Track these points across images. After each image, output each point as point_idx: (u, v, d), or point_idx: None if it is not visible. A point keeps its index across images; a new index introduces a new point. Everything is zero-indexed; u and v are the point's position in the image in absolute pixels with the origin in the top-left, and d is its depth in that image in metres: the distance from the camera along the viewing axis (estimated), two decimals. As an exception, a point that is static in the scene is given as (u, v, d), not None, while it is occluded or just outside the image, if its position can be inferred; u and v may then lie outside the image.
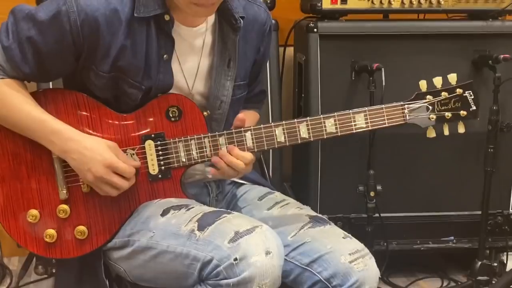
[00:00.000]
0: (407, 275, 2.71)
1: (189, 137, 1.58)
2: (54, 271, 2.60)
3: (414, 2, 2.44)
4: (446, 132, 1.62)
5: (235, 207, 1.75)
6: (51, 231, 1.58)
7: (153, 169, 1.59)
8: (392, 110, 1.59)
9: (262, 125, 1.57)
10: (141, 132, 1.59)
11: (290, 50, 2.80)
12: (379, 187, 2.35)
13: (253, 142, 1.57)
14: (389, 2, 2.43)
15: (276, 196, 1.76)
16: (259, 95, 1.94)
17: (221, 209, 1.60)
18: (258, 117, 1.90)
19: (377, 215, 2.40)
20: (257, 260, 1.36)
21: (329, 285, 1.52)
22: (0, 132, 1.57)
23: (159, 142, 1.59)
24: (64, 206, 1.57)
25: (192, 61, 1.65)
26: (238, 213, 1.55)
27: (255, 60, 1.78)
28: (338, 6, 2.43)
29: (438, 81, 1.60)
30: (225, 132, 1.57)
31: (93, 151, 1.51)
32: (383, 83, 2.25)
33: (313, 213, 1.68)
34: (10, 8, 1.55)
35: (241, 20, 1.64)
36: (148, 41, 1.56)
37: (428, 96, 1.60)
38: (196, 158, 1.58)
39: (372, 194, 2.35)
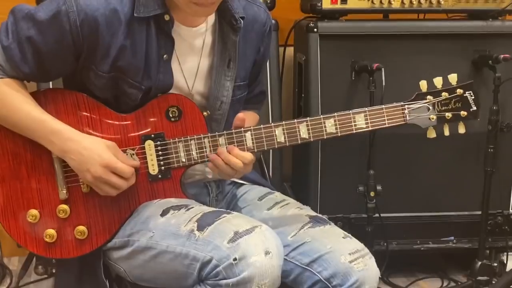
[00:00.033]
0: (407, 275, 2.71)
1: (189, 137, 1.58)
2: (54, 271, 2.60)
3: (414, 2, 2.44)
4: (447, 132, 1.62)
5: (235, 207, 1.75)
6: (51, 231, 1.58)
7: (153, 169, 1.59)
8: (392, 110, 1.59)
9: (262, 125, 1.57)
10: (141, 132, 1.59)
11: (290, 50, 2.80)
12: (379, 187, 2.35)
13: (253, 143, 1.56)
14: (389, 2, 2.43)
15: (276, 196, 1.76)
16: (259, 96, 1.94)
17: (221, 209, 1.60)
18: (257, 118, 1.90)
19: (377, 215, 2.40)
20: (256, 260, 1.36)
21: (329, 285, 1.52)
22: (0, 132, 1.57)
23: (159, 142, 1.59)
24: (64, 206, 1.57)
25: (192, 61, 1.65)
26: (238, 213, 1.55)
27: (255, 61, 1.78)
28: (338, 6, 2.43)
29: (438, 82, 1.60)
30: (225, 132, 1.57)
31: (92, 151, 1.51)
32: (383, 83, 2.25)
33: (313, 213, 1.67)
34: (10, 8, 1.54)
35: (241, 20, 1.64)
36: (148, 41, 1.56)
37: (428, 97, 1.60)
38: (196, 158, 1.58)
39: (372, 194, 2.35)
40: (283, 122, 1.57)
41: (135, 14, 1.52)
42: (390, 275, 2.66)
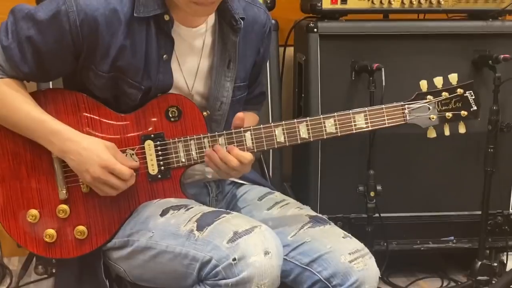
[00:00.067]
0: (407, 275, 2.71)
1: (188, 137, 1.58)
2: (54, 271, 2.60)
3: (414, 2, 2.44)
4: (447, 132, 1.62)
5: (235, 207, 1.75)
6: (51, 231, 1.58)
7: (153, 169, 1.59)
8: (392, 110, 1.59)
9: (261, 125, 1.57)
10: (140, 132, 1.59)
11: (290, 50, 2.80)
12: (379, 187, 2.35)
13: (252, 142, 1.56)
14: (389, 2, 2.43)
15: (276, 196, 1.76)
16: (259, 97, 1.94)
17: (220, 209, 1.60)
18: (257, 119, 1.90)
19: (377, 215, 2.40)
20: (255, 260, 1.36)
21: (329, 284, 1.52)
22: (0, 132, 1.57)
23: (158, 142, 1.59)
24: (64, 206, 1.57)
25: (191, 62, 1.65)
26: (237, 213, 1.55)
27: (254, 62, 1.78)
28: (338, 6, 2.43)
29: (438, 81, 1.60)
30: (224, 132, 1.57)
31: (91, 152, 1.51)
32: (383, 83, 2.25)
33: (313, 213, 1.67)
34: (10, 8, 1.55)
35: (241, 21, 1.64)
36: (148, 41, 1.56)
37: (428, 96, 1.60)
38: (196, 158, 1.58)
39: (372, 194, 2.35)
40: (283, 122, 1.57)
41: (135, 14, 1.52)
42: (390, 275, 2.66)
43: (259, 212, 1.69)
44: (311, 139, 1.57)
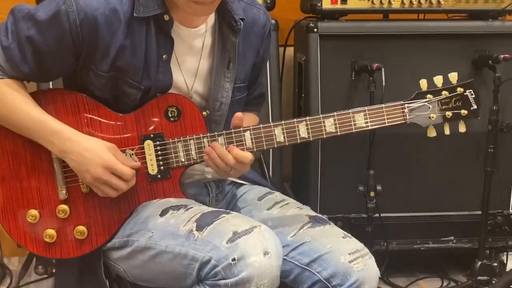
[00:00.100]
0: (407, 275, 2.71)
1: (188, 137, 1.58)
2: (54, 271, 2.60)
3: (414, 2, 2.44)
4: (447, 131, 1.62)
5: (234, 207, 1.75)
6: (51, 231, 1.58)
7: (152, 169, 1.59)
8: (392, 109, 1.59)
9: (261, 125, 1.57)
10: (140, 132, 1.59)
11: (290, 50, 2.80)
12: (379, 187, 2.35)
13: (252, 142, 1.56)
14: (389, 2, 2.43)
15: (275, 196, 1.75)
16: (259, 98, 1.94)
17: (220, 209, 1.60)
18: (257, 120, 1.89)
19: (377, 215, 2.40)
20: (255, 261, 1.36)
21: (329, 284, 1.51)
22: (0, 132, 1.57)
23: (158, 142, 1.59)
24: (64, 206, 1.57)
25: (191, 62, 1.65)
26: (237, 213, 1.55)
27: (254, 63, 1.77)
28: (338, 6, 2.43)
29: (438, 80, 1.60)
30: (224, 132, 1.56)
31: (92, 152, 1.51)
32: (383, 83, 2.25)
33: (313, 213, 1.67)
34: (10, 8, 1.54)
35: (241, 22, 1.64)
36: (148, 41, 1.56)
37: (428, 95, 1.59)
38: (195, 158, 1.58)
39: (372, 194, 2.35)
40: (282, 122, 1.57)
41: (134, 14, 1.52)
42: (390, 275, 2.66)
43: (259, 212, 1.69)
44: (311, 139, 1.57)
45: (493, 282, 2.48)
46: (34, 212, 1.57)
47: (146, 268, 1.53)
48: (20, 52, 1.52)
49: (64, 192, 1.57)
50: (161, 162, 1.59)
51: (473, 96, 1.60)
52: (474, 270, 2.48)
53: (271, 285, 1.39)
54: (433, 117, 1.60)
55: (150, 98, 1.59)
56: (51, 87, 2.05)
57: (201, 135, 1.58)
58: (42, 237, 1.58)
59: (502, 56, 2.33)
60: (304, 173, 2.56)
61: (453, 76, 1.59)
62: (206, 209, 1.53)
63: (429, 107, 1.60)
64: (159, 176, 1.59)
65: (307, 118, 1.57)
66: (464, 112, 1.60)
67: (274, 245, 1.41)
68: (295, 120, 1.57)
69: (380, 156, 2.42)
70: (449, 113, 1.60)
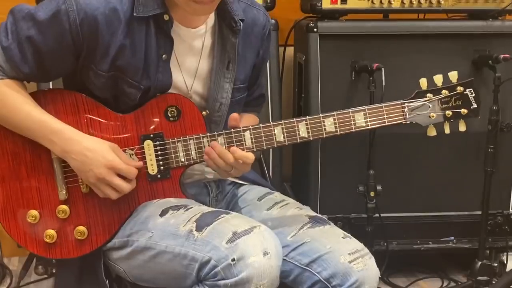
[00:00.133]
0: (407, 275, 2.71)
1: (188, 137, 1.58)
2: (54, 271, 2.60)
3: (414, 2, 2.44)
4: (447, 130, 1.62)
5: (234, 207, 1.75)
6: (51, 232, 1.58)
7: (152, 169, 1.59)
8: (392, 108, 1.59)
9: (261, 125, 1.57)
10: (140, 132, 1.59)
11: (290, 50, 2.80)
12: (379, 187, 2.35)
13: (252, 142, 1.56)
14: (389, 2, 2.43)
15: (275, 196, 1.75)
16: (259, 99, 1.94)
17: (220, 209, 1.60)
18: (257, 121, 1.89)
19: (377, 215, 2.40)
20: (255, 261, 1.36)
21: (328, 285, 1.51)
22: (0, 132, 1.57)
23: (158, 142, 1.58)
24: (64, 207, 1.57)
25: (191, 62, 1.65)
26: (237, 214, 1.55)
27: (254, 64, 1.77)
28: (338, 6, 2.43)
29: (438, 79, 1.60)
30: (224, 132, 1.56)
31: (95, 152, 1.51)
32: (383, 83, 2.25)
33: (313, 213, 1.67)
34: (10, 8, 1.54)
35: (241, 23, 1.64)
36: (147, 40, 1.56)
37: (428, 94, 1.59)
38: (195, 158, 1.58)
39: (372, 194, 2.35)
40: (282, 121, 1.56)
41: (134, 14, 1.52)
42: (390, 275, 2.66)
43: (259, 212, 1.69)
44: (311, 138, 1.57)
45: (493, 282, 2.47)
46: (34, 212, 1.57)
47: (146, 268, 1.53)
48: (20, 52, 1.52)
49: (64, 192, 1.57)
50: (161, 162, 1.59)
51: (473, 95, 1.60)
52: (474, 270, 2.48)
53: (271, 285, 1.39)
54: (433, 116, 1.60)
55: (150, 98, 1.59)
56: (51, 87, 2.05)
57: (200, 135, 1.58)
58: (42, 238, 1.58)
59: (502, 56, 2.33)
60: (304, 173, 2.56)
61: (453, 75, 1.59)
62: (206, 209, 1.53)
63: (429, 106, 1.60)
64: (159, 176, 1.59)
65: (307, 117, 1.57)
66: (464, 111, 1.60)
67: (274, 246, 1.41)
68: (295, 119, 1.57)
69: (380, 156, 2.42)
70: (449, 112, 1.60)
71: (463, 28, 2.49)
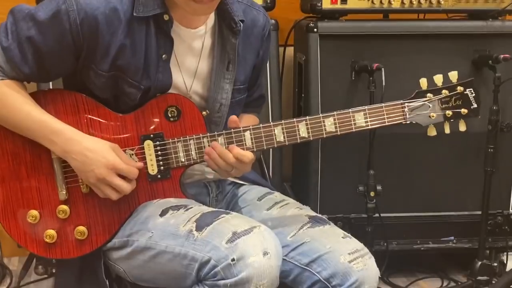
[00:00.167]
0: (407, 275, 2.71)
1: (188, 137, 1.58)
2: (54, 271, 2.60)
3: (414, 2, 2.44)
4: (447, 130, 1.62)
5: (234, 207, 1.75)
6: (51, 232, 1.58)
7: (152, 169, 1.59)
8: (392, 108, 1.59)
9: (261, 125, 1.57)
10: (140, 133, 1.59)
11: (290, 50, 2.80)
12: (379, 187, 2.35)
13: (252, 142, 1.56)
14: (389, 2, 2.43)
15: (275, 196, 1.75)
16: (259, 100, 1.94)
17: (220, 209, 1.60)
18: (257, 121, 1.89)
19: (377, 215, 2.40)
20: (254, 261, 1.36)
21: (328, 285, 1.51)
22: (0, 133, 1.57)
23: (158, 142, 1.59)
24: (64, 207, 1.57)
25: (190, 62, 1.65)
26: (237, 214, 1.55)
27: (254, 65, 1.77)
28: (338, 6, 2.43)
29: (438, 79, 1.60)
30: (224, 132, 1.57)
31: (96, 153, 1.51)
32: (383, 83, 2.25)
33: (313, 213, 1.67)
34: (10, 8, 1.54)
35: (241, 23, 1.64)
36: (147, 40, 1.56)
37: (428, 94, 1.60)
38: (195, 158, 1.58)
39: (372, 194, 2.35)
40: (282, 121, 1.57)
41: (134, 14, 1.52)
42: (390, 275, 2.66)
43: (259, 212, 1.69)
44: (311, 138, 1.57)
45: (493, 282, 2.48)
46: (34, 212, 1.57)
47: (146, 268, 1.53)
48: (20, 53, 1.52)
49: (64, 192, 1.57)
50: (161, 162, 1.59)
51: (473, 95, 1.60)
52: (474, 270, 2.48)
53: (271, 285, 1.39)
54: (433, 116, 1.60)
55: (150, 98, 1.59)
56: (51, 87, 2.05)
57: (201, 135, 1.58)
58: (43, 238, 1.58)
59: (502, 56, 2.33)
60: (304, 173, 2.56)
61: (453, 75, 1.60)
62: (206, 209, 1.53)
63: (429, 106, 1.60)
64: (159, 176, 1.59)
65: (307, 117, 1.57)
66: (464, 111, 1.61)
67: (273, 245, 1.41)
68: (295, 119, 1.57)
69: (380, 156, 2.42)
70: (449, 112, 1.60)
71: (463, 28, 2.49)
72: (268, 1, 2.46)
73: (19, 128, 1.54)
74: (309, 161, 2.49)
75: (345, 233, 1.60)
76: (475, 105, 1.61)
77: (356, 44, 2.44)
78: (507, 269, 2.63)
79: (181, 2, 1.51)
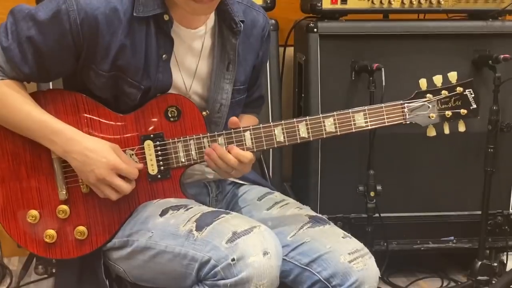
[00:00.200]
0: (407, 275, 2.71)
1: (188, 137, 1.58)
2: (54, 271, 2.60)
3: (414, 2, 2.44)
4: (447, 131, 1.62)
5: (234, 207, 1.75)
6: (51, 232, 1.58)
7: (152, 169, 1.59)
8: (392, 109, 1.59)
9: (261, 125, 1.57)
10: (140, 133, 1.59)
11: (290, 50, 2.80)
12: (379, 187, 2.35)
13: (252, 142, 1.56)
14: (389, 2, 2.43)
15: (275, 196, 1.76)
16: (258, 100, 1.94)
17: (220, 209, 1.60)
18: (257, 122, 1.89)
19: (377, 215, 2.40)
20: (254, 261, 1.36)
21: (328, 285, 1.51)
22: (0, 133, 1.57)
23: (158, 143, 1.59)
24: (64, 207, 1.57)
25: (190, 63, 1.65)
26: (237, 213, 1.55)
27: (254, 65, 1.77)
28: (338, 6, 2.43)
29: (438, 80, 1.60)
30: (224, 132, 1.57)
31: (97, 153, 1.51)
32: (383, 83, 2.25)
33: (313, 213, 1.67)
34: (10, 8, 1.54)
35: (241, 24, 1.64)
36: (148, 40, 1.56)
37: (428, 95, 1.60)
38: (195, 158, 1.58)
39: (372, 194, 2.35)
40: (282, 122, 1.57)
41: (134, 14, 1.52)
42: (390, 275, 2.66)
43: (259, 212, 1.69)
44: (311, 139, 1.57)
45: (493, 282, 2.48)
46: (34, 212, 1.57)
47: (146, 268, 1.53)
48: (20, 53, 1.52)
49: (64, 192, 1.57)
50: (161, 162, 1.59)
51: (473, 95, 1.61)
52: (474, 270, 2.48)
53: (271, 285, 1.39)
54: (432, 117, 1.60)
55: (150, 98, 1.59)
56: (51, 87, 2.05)
57: (201, 135, 1.58)
58: (42, 238, 1.58)
59: (502, 56, 2.33)
60: (304, 173, 2.56)
61: (453, 76, 1.60)
62: (206, 209, 1.53)
63: (429, 107, 1.60)
64: (159, 176, 1.59)
65: (307, 118, 1.57)
66: (463, 111, 1.61)
67: (273, 245, 1.41)
68: (295, 120, 1.57)
69: (380, 156, 2.42)
70: (448, 113, 1.60)
71: (463, 28, 2.49)
72: (268, 1, 2.46)
73: (19, 128, 1.54)
74: (309, 161, 2.49)
75: (345, 233, 1.60)
76: (474, 106, 1.61)
77: (356, 44, 2.44)
78: (507, 269, 2.63)
79: (181, 2, 1.51)
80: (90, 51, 1.53)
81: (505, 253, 2.66)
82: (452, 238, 2.61)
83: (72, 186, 1.58)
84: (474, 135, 2.35)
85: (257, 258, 1.37)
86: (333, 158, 2.48)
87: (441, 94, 1.60)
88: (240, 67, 1.70)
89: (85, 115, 1.58)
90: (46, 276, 2.63)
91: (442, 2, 2.44)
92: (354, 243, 1.57)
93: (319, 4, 2.41)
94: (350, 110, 1.57)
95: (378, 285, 1.57)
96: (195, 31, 1.63)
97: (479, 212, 2.48)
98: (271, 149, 2.31)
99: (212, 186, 1.77)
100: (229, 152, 1.54)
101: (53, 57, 1.53)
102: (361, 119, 1.57)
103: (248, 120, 1.83)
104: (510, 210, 2.61)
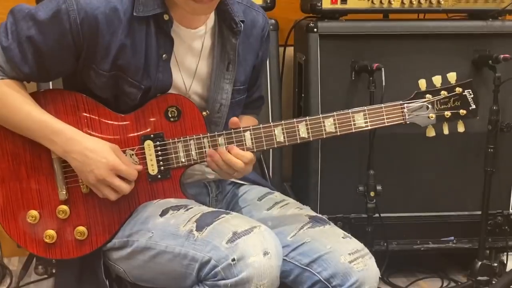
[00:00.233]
0: (407, 275, 2.71)
1: (188, 137, 1.58)
2: (54, 271, 2.60)
3: (414, 2, 2.44)
4: (446, 131, 1.62)
5: (234, 207, 1.75)
6: (51, 232, 1.58)
7: (153, 169, 1.59)
8: (391, 109, 1.59)
9: (261, 125, 1.57)
10: (140, 133, 1.59)
11: (290, 50, 2.80)
12: (379, 187, 2.35)
13: (252, 142, 1.56)
14: (389, 2, 2.43)
15: (275, 196, 1.76)
16: (258, 101, 1.94)
17: (220, 210, 1.60)
18: (257, 123, 1.89)
19: (377, 215, 2.40)
20: (255, 261, 1.36)
21: (328, 285, 1.51)
22: (0, 132, 1.57)
23: (158, 143, 1.59)
24: (64, 207, 1.57)
25: (190, 63, 1.65)
26: (237, 214, 1.55)
27: (254, 65, 1.78)
28: (338, 6, 2.43)
29: (437, 80, 1.60)
30: (224, 132, 1.57)
31: (97, 153, 1.51)
32: (383, 83, 2.25)
33: (313, 213, 1.67)
34: (10, 8, 1.54)
35: (241, 24, 1.64)
36: (148, 40, 1.56)
37: (427, 95, 1.60)
38: (196, 158, 1.58)
39: (372, 194, 2.35)
40: (282, 122, 1.57)
41: (134, 13, 1.52)
42: (390, 275, 2.66)
43: (259, 212, 1.69)
44: (311, 139, 1.58)
45: (493, 282, 2.48)
46: (34, 212, 1.57)
47: (146, 268, 1.53)
48: (20, 53, 1.52)
49: (64, 192, 1.57)
50: (161, 163, 1.59)
51: (472, 96, 1.61)
52: (474, 270, 2.48)
53: (271, 285, 1.39)
54: (432, 117, 1.60)
55: (150, 98, 1.59)
56: (51, 87, 2.05)
57: (201, 135, 1.58)
58: (42, 238, 1.58)
59: (502, 56, 2.33)
60: (304, 173, 2.56)
61: (452, 76, 1.60)
62: (206, 209, 1.53)
63: (428, 107, 1.60)
64: (159, 176, 1.59)
65: (307, 118, 1.57)
66: (463, 112, 1.61)
67: (274, 246, 1.41)
68: (295, 120, 1.57)
69: (380, 156, 2.42)
70: (448, 113, 1.60)
71: (463, 28, 2.49)
72: (268, 1, 2.46)
73: (19, 128, 1.54)
74: (309, 161, 2.49)
75: (345, 233, 1.60)
76: (473, 106, 1.61)
77: (356, 44, 2.44)
78: (507, 269, 2.63)
79: (181, 2, 1.51)
80: (90, 51, 1.53)
81: (505, 253, 2.66)
82: (452, 238, 2.61)
83: (72, 186, 1.58)
84: (474, 135, 2.35)
85: (257, 258, 1.37)
86: (333, 158, 2.48)
87: (440, 95, 1.60)
88: (240, 67, 1.70)
89: (85, 115, 1.58)
90: (46, 276, 2.63)
91: (442, 2, 2.44)
92: (354, 243, 1.57)
93: (319, 4, 2.41)
94: (350, 110, 1.57)
95: (378, 285, 1.57)
96: (195, 31, 1.63)
97: (479, 212, 2.48)
98: (271, 149, 2.31)
99: (212, 186, 1.77)
100: (229, 152, 1.54)
101: (53, 57, 1.53)
102: (361, 119, 1.57)
103: (247, 121, 1.83)
104: (510, 210, 2.61)
